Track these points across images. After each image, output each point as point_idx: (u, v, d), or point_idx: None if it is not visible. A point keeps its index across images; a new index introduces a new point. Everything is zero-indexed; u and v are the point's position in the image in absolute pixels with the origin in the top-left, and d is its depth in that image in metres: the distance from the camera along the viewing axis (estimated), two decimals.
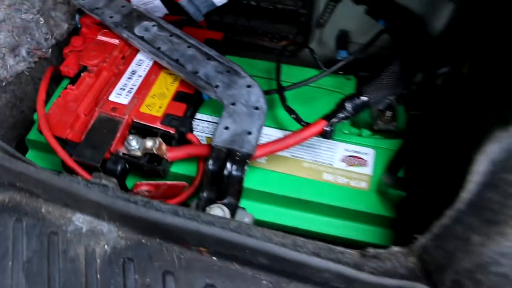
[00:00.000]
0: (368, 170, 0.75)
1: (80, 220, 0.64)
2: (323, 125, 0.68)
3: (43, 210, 0.65)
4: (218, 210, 0.65)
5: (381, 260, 0.57)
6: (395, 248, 0.57)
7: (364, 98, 0.68)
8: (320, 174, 0.75)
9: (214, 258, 0.59)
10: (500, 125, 0.43)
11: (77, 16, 0.99)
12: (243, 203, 0.72)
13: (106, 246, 0.62)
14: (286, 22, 0.97)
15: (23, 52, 0.93)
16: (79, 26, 0.99)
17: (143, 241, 0.61)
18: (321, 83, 0.86)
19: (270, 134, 0.79)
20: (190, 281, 0.58)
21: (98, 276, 0.59)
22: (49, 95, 0.90)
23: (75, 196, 0.61)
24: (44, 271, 0.61)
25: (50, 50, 0.99)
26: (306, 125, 0.70)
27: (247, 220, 0.67)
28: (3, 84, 0.89)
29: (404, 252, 0.57)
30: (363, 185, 0.74)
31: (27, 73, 0.95)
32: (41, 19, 0.96)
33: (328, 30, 0.94)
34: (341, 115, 0.68)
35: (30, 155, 0.86)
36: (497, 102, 0.56)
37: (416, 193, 0.66)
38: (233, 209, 0.67)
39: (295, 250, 0.54)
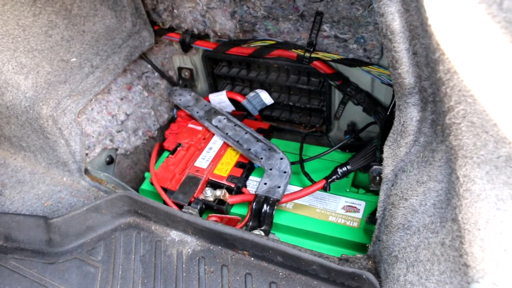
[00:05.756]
0: (359, 215, 1.13)
1: (175, 234, 1.05)
2: (323, 183, 1.08)
3: (152, 228, 1.08)
4: (258, 232, 1.05)
5: (351, 263, 0.93)
6: (359, 255, 0.94)
7: (348, 167, 1.08)
8: (327, 216, 1.14)
9: (252, 258, 0.98)
10: None
11: (174, 110, 1.49)
12: (277, 234, 1.12)
13: (189, 250, 1.02)
14: (314, 115, 1.40)
15: (140, 133, 1.41)
16: (175, 116, 1.48)
17: (211, 247, 1.01)
18: (334, 158, 1.26)
19: (294, 189, 1.19)
20: (237, 271, 0.97)
21: (183, 265, 1.00)
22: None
23: (174, 218, 1.03)
24: (152, 261, 1.01)
25: (156, 132, 1.48)
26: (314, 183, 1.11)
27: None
28: (127, 153, 1.38)
29: (365, 257, 0.93)
30: (355, 224, 1.11)
31: (141, 147, 1.44)
32: (152, 112, 1.45)
33: (342, 121, 1.35)
34: (334, 176, 1.08)
35: None
36: None
37: None
38: (267, 233, 1.07)
39: (298, 250, 0.93)
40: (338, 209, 1.15)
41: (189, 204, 1.17)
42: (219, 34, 1.26)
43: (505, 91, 0.55)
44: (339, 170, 1.08)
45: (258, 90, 1.37)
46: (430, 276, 0.67)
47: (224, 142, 1.30)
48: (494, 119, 0.56)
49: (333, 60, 1.17)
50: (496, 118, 0.56)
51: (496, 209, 0.58)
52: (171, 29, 1.37)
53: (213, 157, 1.27)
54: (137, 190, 1.32)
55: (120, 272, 1.01)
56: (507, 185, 0.58)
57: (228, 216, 1.14)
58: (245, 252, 0.99)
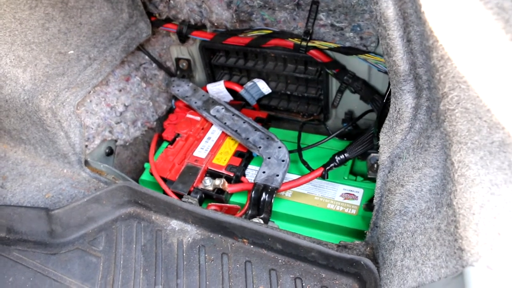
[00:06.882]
0: (357, 202, 1.14)
1: (175, 224, 1.07)
2: (321, 171, 1.09)
3: (153, 217, 1.09)
4: (257, 221, 1.07)
5: (349, 249, 0.95)
6: (357, 242, 0.95)
7: (346, 154, 1.08)
8: (326, 204, 1.15)
9: (251, 246, 0.99)
10: None
11: (173, 101, 1.49)
12: (276, 222, 1.13)
13: (189, 238, 1.04)
14: (312, 104, 1.41)
15: (139, 124, 1.42)
16: (174, 107, 1.48)
17: (211, 236, 1.03)
18: (332, 146, 1.27)
19: (292, 177, 1.20)
20: (236, 258, 0.98)
21: (184, 254, 1.01)
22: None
23: (174, 207, 1.04)
24: (153, 250, 1.03)
25: (155, 122, 1.48)
26: (312, 171, 1.12)
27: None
28: (127, 144, 1.39)
29: (363, 244, 0.94)
30: (353, 212, 1.12)
31: (140, 137, 1.44)
32: (150, 103, 1.46)
33: (340, 109, 1.36)
34: (332, 164, 1.09)
35: None
36: None
37: None
38: (266, 221, 1.08)
39: (297, 237, 0.94)
40: (337, 197, 1.16)
41: (189, 193, 1.18)
42: (215, 24, 1.26)
43: (498, 77, 0.55)
44: (337, 158, 1.09)
45: (255, 80, 1.37)
46: (426, 261, 0.68)
47: (223, 132, 1.31)
48: (487, 104, 0.57)
49: (330, 49, 1.18)
50: (490, 104, 0.57)
51: (490, 194, 0.59)
52: (168, 20, 1.37)
53: (212, 146, 1.28)
54: (137, 180, 1.33)
55: (121, 262, 1.02)
56: (501, 170, 0.59)
57: (228, 205, 1.16)
58: (245, 240, 1.00)
